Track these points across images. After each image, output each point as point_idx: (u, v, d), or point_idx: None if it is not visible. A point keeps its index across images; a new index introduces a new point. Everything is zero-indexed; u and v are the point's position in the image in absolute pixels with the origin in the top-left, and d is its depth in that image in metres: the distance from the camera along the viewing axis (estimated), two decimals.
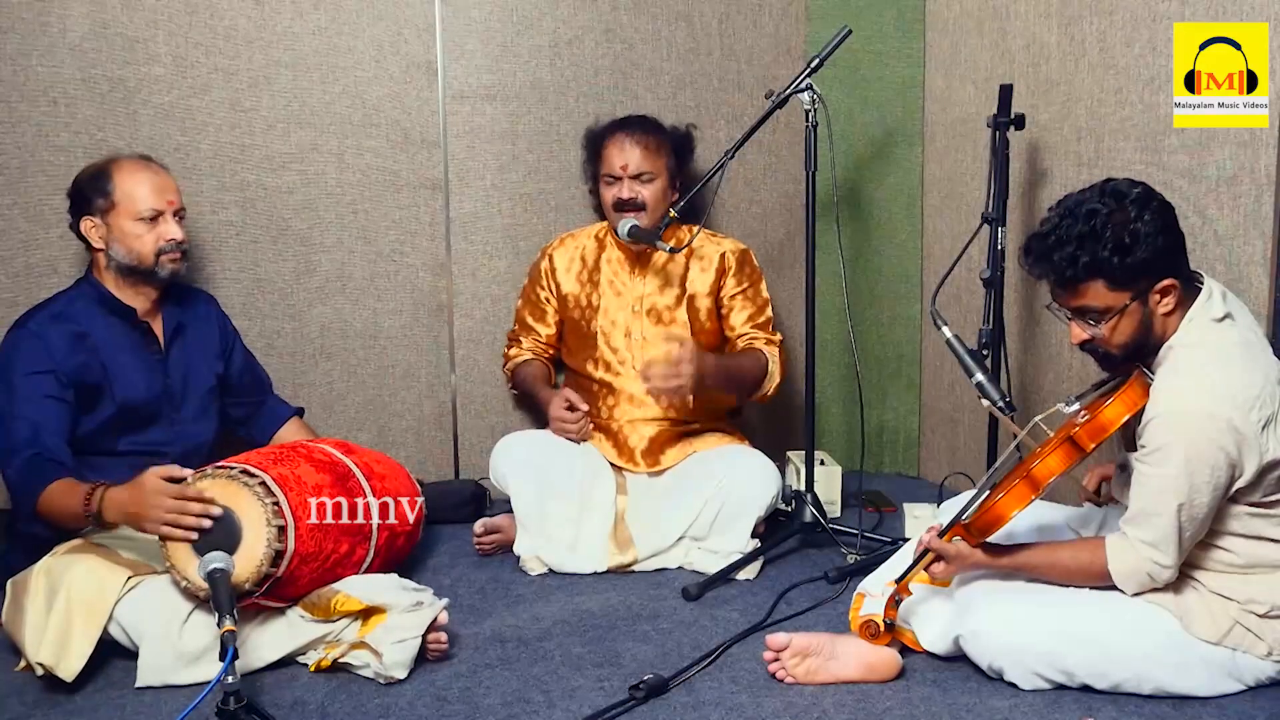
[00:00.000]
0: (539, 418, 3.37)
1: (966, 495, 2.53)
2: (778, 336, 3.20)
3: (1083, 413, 2.19)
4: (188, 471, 2.31)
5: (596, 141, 3.19)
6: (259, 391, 3.00)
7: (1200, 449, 2.04)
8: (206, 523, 2.24)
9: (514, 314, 3.37)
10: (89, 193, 2.63)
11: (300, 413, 3.07)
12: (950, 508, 2.58)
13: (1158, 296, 2.11)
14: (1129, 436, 2.21)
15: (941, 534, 2.27)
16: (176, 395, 2.73)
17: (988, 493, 2.26)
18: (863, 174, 3.62)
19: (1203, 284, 2.16)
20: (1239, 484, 2.07)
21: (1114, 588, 2.17)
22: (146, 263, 2.64)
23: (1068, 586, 2.22)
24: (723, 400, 3.23)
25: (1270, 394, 2.06)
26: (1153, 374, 2.16)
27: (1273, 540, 2.14)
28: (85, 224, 2.65)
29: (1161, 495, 2.08)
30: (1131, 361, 2.19)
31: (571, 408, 3.09)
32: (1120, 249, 2.05)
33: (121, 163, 2.67)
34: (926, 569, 2.27)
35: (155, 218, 2.63)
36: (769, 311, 3.22)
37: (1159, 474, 2.08)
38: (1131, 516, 2.15)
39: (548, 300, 3.28)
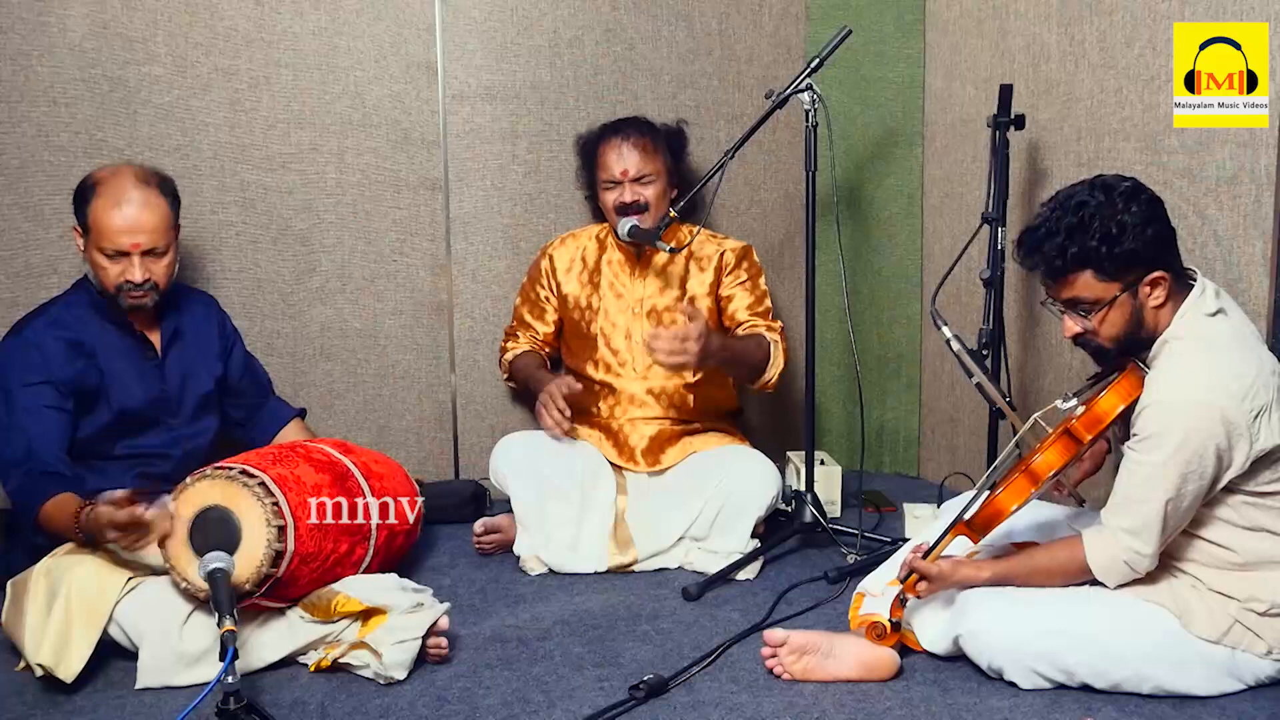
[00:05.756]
0: None
1: (967, 496, 2.53)
2: (779, 324, 3.19)
3: (1080, 407, 2.20)
4: (129, 492, 2.25)
5: (591, 147, 3.19)
6: (259, 393, 2.99)
7: (1191, 438, 2.06)
8: (162, 547, 2.23)
9: (512, 312, 3.37)
10: (76, 204, 2.60)
11: (302, 414, 3.07)
12: (950, 508, 2.58)
13: (1147, 289, 2.12)
14: (1126, 430, 2.21)
15: (944, 534, 2.27)
16: (174, 400, 2.72)
17: (988, 491, 2.27)
18: (863, 174, 3.62)
19: (1195, 280, 2.18)
20: (1229, 474, 2.09)
21: (1099, 583, 2.18)
22: (109, 293, 2.59)
23: (1054, 588, 2.23)
24: (724, 397, 3.23)
25: (1264, 383, 2.08)
26: (1148, 367, 2.17)
27: (1272, 533, 2.14)
28: (74, 232, 2.64)
29: (1149, 482, 2.09)
30: (1124, 355, 2.20)
31: (565, 402, 3.01)
32: (1108, 239, 2.08)
33: (107, 184, 2.57)
34: (911, 588, 2.28)
35: (118, 255, 2.55)
36: (768, 302, 3.21)
37: (1148, 461, 2.10)
38: (1114, 504, 2.16)
39: (547, 299, 3.28)
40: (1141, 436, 2.11)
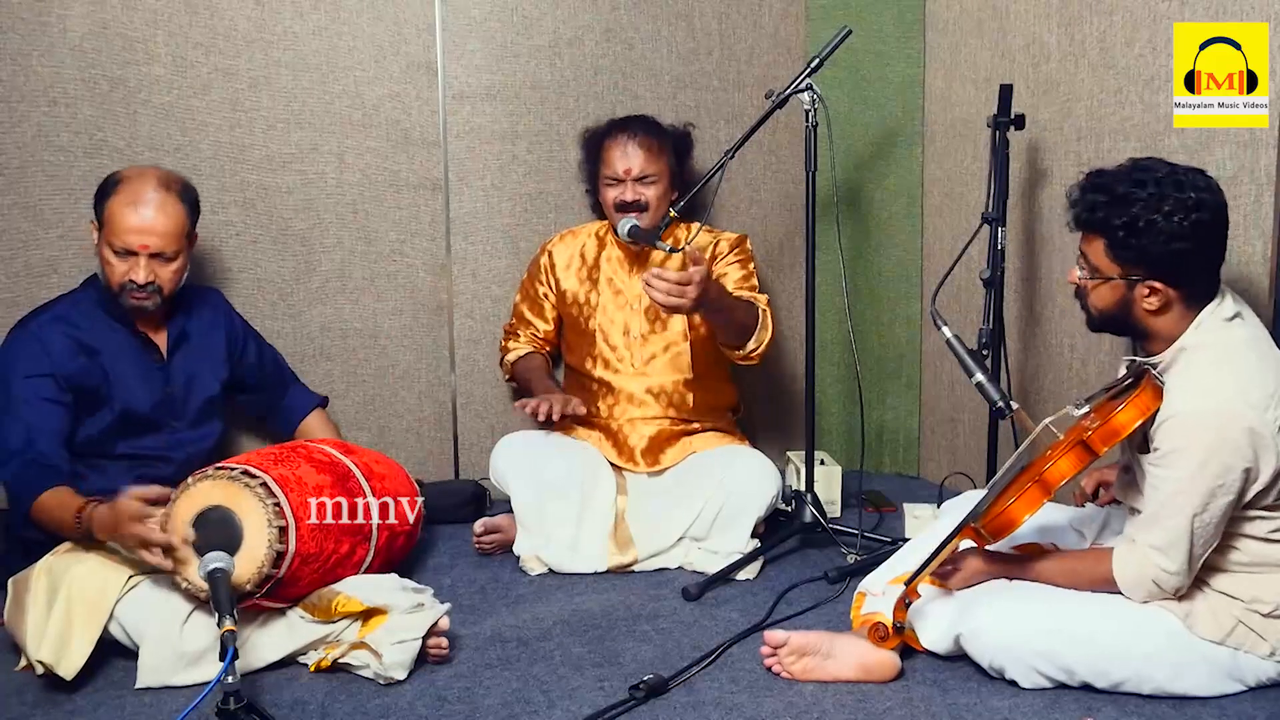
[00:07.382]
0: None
1: (967, 495, 2.53)
2: (765, 297, 3.13)
3: (1092, 415, 2.18)
4: (166, 492, 2.28)
5: (596, 142, 3.18)
6: (279, 384, 3.02)
7: (1215, 451, 2.02)
8: (170, 560, 2.23)
9: (512, 309, 3.37)
10: (97, 198, 2.62)
11: (325, 402, 3.08)
12: (950, 508, 2.58)
13: (1145, 290, 2.11)
14: (1138, 439, 2.20)
15: (951, 535, 2.25)
16: (178, 403, 2.72)
17: (997, 494, 2.25)
18: (863, 174, 3.62)
19: (1216, 293, 2.15)
20: (1255, 488, 2.05)
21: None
22: (113, 290, 2.60)
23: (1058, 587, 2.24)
24: (724, 396, 3.23)
25: None
26: (1163, 378, 2.15)
27: (1277, 542, 2.13)
28: (91, 226, 2.65)
29: (1174, 499, 2.06)
30: (1104, 331, 2.23)
31: (560, 414, 3.04)
32: (1130, 227, 2.06)
33: (129, 183, 2.58)
34: (939, 575, 2.27)
35: (126, 254, 2.56)
36: (756, 281, 3.17)
37: (1172, 477, 2.07)
38: (1142, 521, 2.14)
39: (546, 296, 3.28)
40: (1164, 451, 2.08)
